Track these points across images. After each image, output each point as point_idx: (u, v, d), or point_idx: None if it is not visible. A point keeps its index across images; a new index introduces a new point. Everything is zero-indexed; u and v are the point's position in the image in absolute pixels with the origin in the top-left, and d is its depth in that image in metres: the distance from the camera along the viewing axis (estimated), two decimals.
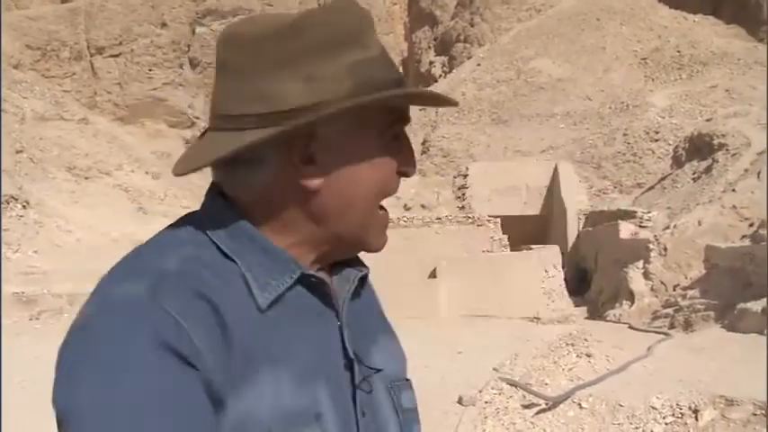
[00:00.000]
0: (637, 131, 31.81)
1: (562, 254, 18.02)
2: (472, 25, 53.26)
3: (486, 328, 11.41)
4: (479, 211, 24.19)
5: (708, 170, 23.53)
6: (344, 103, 0.80)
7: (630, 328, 14.92)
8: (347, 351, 0.87)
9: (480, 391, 7.54)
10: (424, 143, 33.76)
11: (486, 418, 7.02)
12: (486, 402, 7.40)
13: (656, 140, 30.78)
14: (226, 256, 0.82)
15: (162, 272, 0.76)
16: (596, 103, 35.89)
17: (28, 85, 34.96)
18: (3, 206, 20.97)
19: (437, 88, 41.14)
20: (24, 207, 22.23)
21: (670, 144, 29.68)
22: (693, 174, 24.62)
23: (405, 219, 23.12)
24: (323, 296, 0.87)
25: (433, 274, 13.84)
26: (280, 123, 0.79)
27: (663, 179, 27.13)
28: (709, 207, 19.45)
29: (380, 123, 0.85)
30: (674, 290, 16.71)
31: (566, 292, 16.06)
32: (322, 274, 0.88)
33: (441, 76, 48.86)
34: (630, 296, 17.47)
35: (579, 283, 21.32)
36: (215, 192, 0.87)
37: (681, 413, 8.14)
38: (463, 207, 26.58)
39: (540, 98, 36.70)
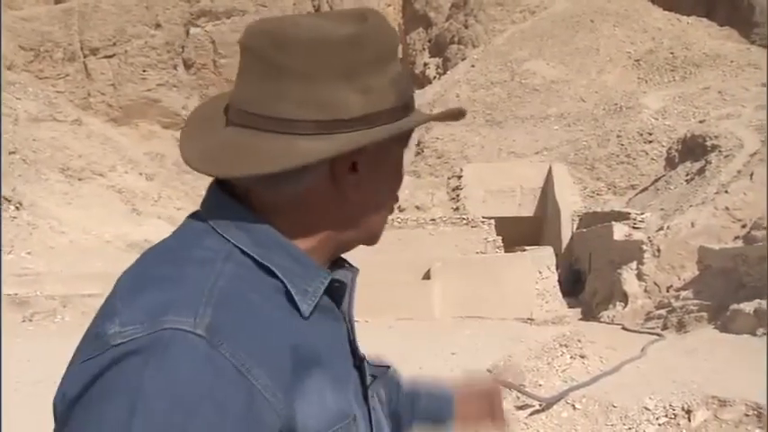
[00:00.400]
0: (630, 133, 31.89)
1: (556, 255, 18.04)
2: (466, 27, 53.33)
3: (479, 330, 11.41)
4: (473, 213, 24.20)
5: (701, 171, 23.61)
6: (394, 117, 0.85)
7: (624, 329, 14.95)
8: (356, 350, 0.91)
9: None
10: (418, 144, 33.78)
11: None
12: None
13: (650, 142, 30.88)
14: (257, 264, 0.80)
15: (216, 302, 0.74)
16: (590, 104, 35.98)
17: (21, 86, 34.83)
18: None
19: (431, 90, 41.22)
20: (17, 208, 22.17)
21: (663, 146, 29.78)
22: (686, 175, 24.70)
23: (399, 220, 23.12)
24: (339, 298, 0.89)
25: (426, 276, 13.84)
26: (337, 132, 0.80)
27: (656, 181, 27.22)
28: (702, 208, 19.52)
29: (404, 138, 0.90)
30: (668, 291, 16.76)
31: (559, 294, 16.08)
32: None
33: (435, 77, 48.92)
34: (624, 297, 17.50)
35: (573, 284, 21.35)
36: (220, 191, 0.85)
37: (674, 414, 8.17)
38: (457, 208, 26.60)
39: (534, 100, 36.78)
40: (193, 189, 32.85)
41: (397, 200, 0.93)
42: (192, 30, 51.55)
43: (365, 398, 0.91)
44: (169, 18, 50.60)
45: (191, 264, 0.77)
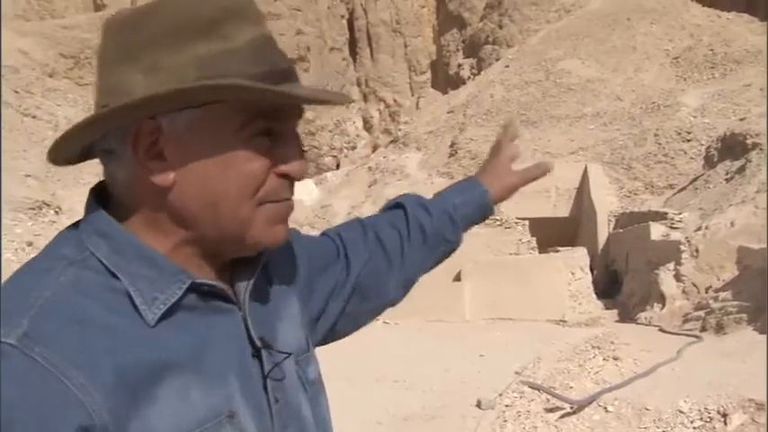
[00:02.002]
0: (668, 132, 31.33)
1: (592, 256, 17.83)
2: (500, 27, 53.04)
3: (510, 331, 11.30)
4: (507, 213, 24.04)
5: (741, 170, 23.08)
6: (197, 98, 0.77)
7: (661, 330, 14.70)
8: (253, 340, 0.86)
9: (500, 395, 7.45)
10: (452, 145, 33.63)
11: (505, 421, 6.93)
12: (507, 406, 7.31)
13: (688, 141, 30.28)
14: (110, 272, 0.79)
15: (36, 312, 0.73)
16: (627, 103, 35.45)
17: (62, 92, 35.61)
18: (35, 212, 21.35)
19: (465, 91, 41.03)
20: (57, 213, 22.61)
21: (702, 144, 29.18)
22: (726, 174, 24.17)
23: None
24: (220, 295, 0.85)
25: (457, 277, 13.76)
26: (125, 115, 0.77)
27: (695, 180, 26.68)
28: (741, 208, 19.08)
29: (235, 119, 0.80)
30: (706, 292, 16.41)
31: (593, 295, 15.87)
32: (215, 277, 0.86)
33: (469, 78, 48.70)
34: (661, 298, 17.20)
35: (610, 285, 21.08)
36: (93, 199, 0.85)
37: (709, 417, 7.97)
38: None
39: (570, 99, 36.36)
40: None
41: (264, 192, 0.83)
42: None
43: (265, 388, 0.87)
44: None
45: (31, 273, 0.79)
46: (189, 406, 0.77)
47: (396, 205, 1.25)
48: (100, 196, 0.85)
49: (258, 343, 0.86)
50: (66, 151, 0.83)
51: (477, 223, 1.30)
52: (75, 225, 0.84)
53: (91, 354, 0.73)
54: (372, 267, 1.14)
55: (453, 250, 1.28)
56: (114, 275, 0.79)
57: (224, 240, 0.84)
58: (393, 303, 1.20)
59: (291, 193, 0.87)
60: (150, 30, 0.78)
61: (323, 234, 1.18)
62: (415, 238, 1.20)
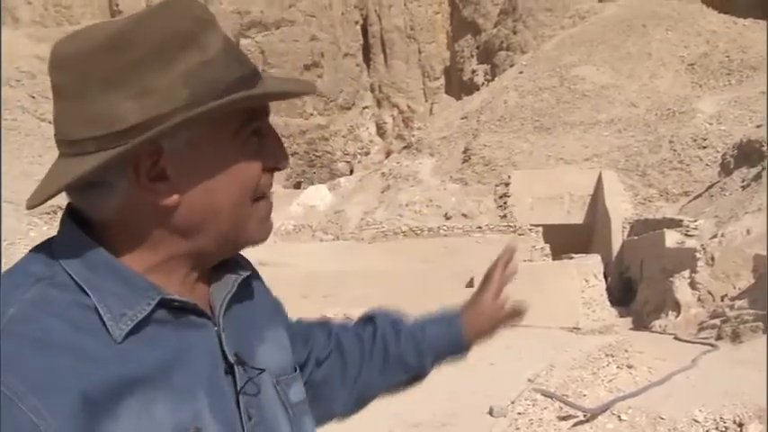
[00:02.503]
0: (684, 138, 31.16)
1: (606, 263, 17.71)
2: (515, 33, 52.99)
3: (522, 339, 11.23)
4: (521, 220, 24.00)
5: (757, 177, 22.89)
6: (178, 116, 0.76)
7: (676, 338, 14.60)
8: (227, 356, 0.85)
9: (513, 403, 7.40)
10: (465, 151, 33.60)
11: (517, 429, 6.88)
12: (519, 414, 7.26)
13: (704, 147, 30.09)
14: (80, 288, 0.78)
15: (8, 320, 0.73)
16: (642, 109, 35.28)
17: None
18: (50, 216, 21.52)
19: (479, 97, 40.99)
20: None
21: (718, 151, 29.00)
22: (742, 181, 23.99)
23: (445, 227, 23.04)
24: (193, 310, 0.84)
25: (470, 284, 13.72)
26: (118, 144, 0.76)
27: (710, 187, 26.50)
28: (758, 215, 18.92)
29: (231, 126, 0.81)
30: (722, 300, 16.28)
31: (607, 302, 15.78)
32: (197, 285, 0.86)
33: (483, 84, 48.67)
34: (677, 306, 17.09)
35: (624, 292, 20.97)
36: (69, 216, 0.83)
37: (725, 426, 7.89)
38: (505, 216, 26.37)
39: (584, 105, 36.24)
40: None
41: (258, 190, 0.84)
42: (243, 41, 52.42)
43: (238, 404, 0.85)
44: None
45: (3, 290, 0.77)
46: (153, 422, 0.76)
47: (368, 319, 1.23)
48: (74, 215, 0.84)
49: (231, 358, 0.85)
50: (51, 195, 0.80)
51: (451, 359, 1.27)
52: (48, 242, 0.84)
53: (50, 376, 0.72)
54: (326, 370, 1.13)
55: (419, 377, 1.25)
56: (84, 292, 0.78)
57: (220, 245, 0.85)
58: (340, 416, 1.17)
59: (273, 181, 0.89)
60: (135, 51, 0.76)
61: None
62: (377, 357, 1.18)
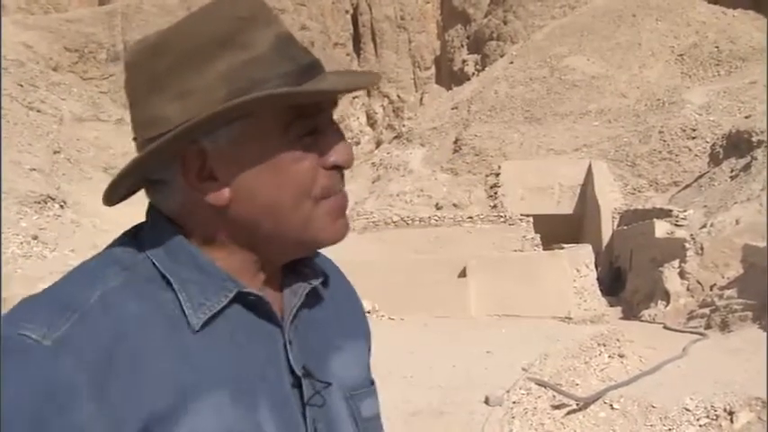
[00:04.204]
0: (673, 129, 31.27)
1: (596, 253, 17.79)
2: (505, 23, 52.89)
3: (515, 328, 11.30)
4: (512, 210, 24.04)
5: (746, 168, 23.05)
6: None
7: (666, 328, 14.70)
8: (293, 368, 0.84)
9: (508, 392, 7.47)
10: (456, 142, 33.59)
11: (513, 418, 6.94)
12: (514, 403, 7.33)
13: (693, 138, 30.21)
14: (162, 275, 0.80)
15: (77, 319, 0.74)
16: (631, 100, 35.35)
17: (66, 86, 35.60)
18: (40, 206, 21.38)
19: (469, 87, 40.93)
20: (62, 207, 22.62)
21: (707, 141, 29.13)
22: (731, 171, 24.15)
23: (436, 218, 23.05)
24: (266, 313, 0.84)
25: (462, 274, 13.76)
26: (166, 148, 0.78)
27: (700, 177, 26.65)
28: (747, 205, 19.06)
29: (277, 124, 0.80)
30: (711, 290, 16.40)
31: (598, 292, 15.87)
32: (267, 290, 0.86)
33: (473, 74, 48.61)
34: (666, 296, 17.21)
35: (614, 282, 21.07)
36: (152, 207, 0.86)
37: (715, 415, 7.99)
38: (495, 206, 26.42)
39: (574, 96, 36.27)
40: None
41: (319, 189, 0.82)
42: None
43: (304, 416, 0.85)
44: None
45: (82, 273, 0.80)
46: (223, 424, 0.76)
47: None
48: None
49: (299, 371, 0.84)
50: (119, 190, 0.83)
51: None
52: (135, 229, 0.86)
53: (114, 379, 0.73)
54: None
55: None
56: (166, 283, 0.80)
57: (286, 245, 0.84)
58: None
59: (343, 183, 0.86)
60: (172, 55, 0.78)
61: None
62: None
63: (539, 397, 7.79)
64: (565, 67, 38.86)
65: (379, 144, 49.04)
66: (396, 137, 39.46)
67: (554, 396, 8.11)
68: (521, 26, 50.79)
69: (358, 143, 56.79)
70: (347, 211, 0.88)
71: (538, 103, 36.01)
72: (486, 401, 7.08)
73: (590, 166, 26.64)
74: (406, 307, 12.75)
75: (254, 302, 0.83)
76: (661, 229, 19.43)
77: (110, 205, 0.85)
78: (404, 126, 40.28)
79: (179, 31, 0.79)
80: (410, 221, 22.79)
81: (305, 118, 0.80)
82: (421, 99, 55.41)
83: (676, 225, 19.85)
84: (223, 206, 0.80)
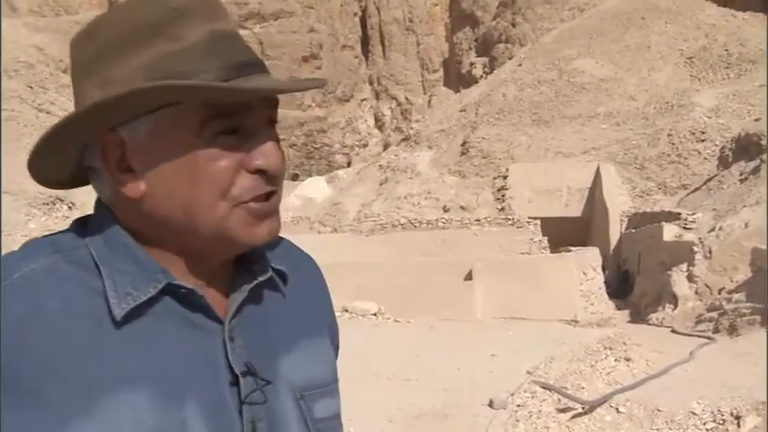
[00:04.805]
0: (682, 132, 31.15)
1: (604, 256, 17.71)
2: (514, 26, 52.86)
3: (521, 331, 11.26)
4: (519, 213, 23.98)
5: (755, 171, 22.91)
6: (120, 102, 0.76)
7: (673, 331, 14.62)
8: (231, 365, 0.82)
9: (512, 395, 7.44)
10: (463, 144, 33.57)
11: (517, 421, 6.91)
12: (519, 406, 7.29)
13: (702, 141, 30.09)
14: (96, 267, 0.79)
15: (5, 283, 0.75)
16: (640, 103, 35.25)
17: None
18: (48, 207, 21.50)
19: (477, 89, 40.90)
20: (70, 208, 22.74)
21: (716, 144, 29.00)
22: (740, 175, 24.01)
23: (443, 220, 23.02)
24: (201, 308, 0.81)
25: (468, 276, 13.73)
26: (76, 126, 0.78)
27: (709, 180, 26.52)
28: (756, 209, 18.94)
29: (193, 120, 0.77)
30: (719, 293, 16.32)
31: (605, 295, 15.81)
32: (211, 288, 0.84)
33: (482, 76, 48.58)
34: (674, 299, 17.13)
35: (621, 285, 20.99)
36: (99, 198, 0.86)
37: (722, 419, 7.92)
38: (503, 209, 26.36)
39: (583, 98, 36.20)
40: None
41: (237, 191, 0.79)
42: (241, 32, 52.21)
43: (240, 414, 0.82)
44: None
45: (21, 251, 0.80)
46: (139, 421, 0.74)
47: None
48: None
49: (238, 369, 0.81)
50: (50, 169, 0.82)
51: None
52: (84, 218, 0.85)
53: (20, 357, 0.72)
54: None
55: None
56: (98, 273, 0.79)
57: (202, 243, 0.81)
58: None
59: (274, 186, 0.82)
60: (100, 41, 0.78)
61: None
62: None
63: (543, 400, 7.75)
64: (573, 69, 38.79)
65: (386, 146, 49.06)
66: (403, 139, 39.46)
67: (559, 399, 8.07)
68: (529, 29, 50.74)
69: (366, 145, 56.84)
70: (279, 215, 0.85)
71: (546, 106, 35.96)
72: (491, 404, 7.05)
73: (598, 168, 26.57)
74: (412, 309, 12.73)
75: (186, 296, 0.80)
76: (669, 232, 19.35)
77: (43, 184, 0.84)
78: (411, 128, 40.28)
79: (111, 17, 0.79)
80: (417, 224, 22.76)
81: (225, 116, 0.77)
82: (429, 101, 55.40)
83: (685, 228, 19.75)
84: (139, 198, 0.79)
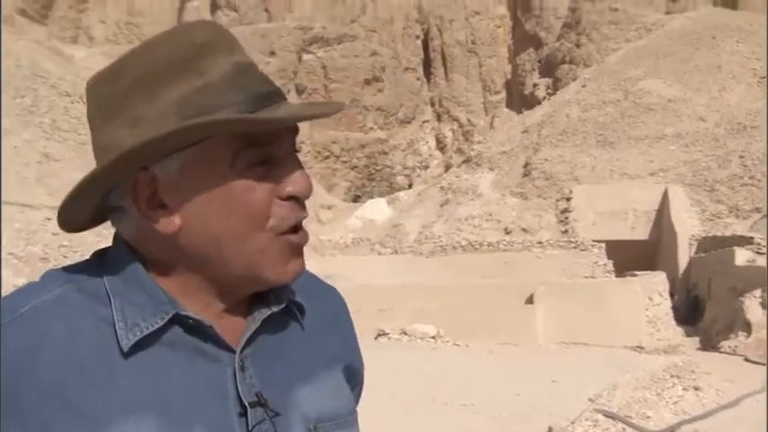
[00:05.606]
0: (755, 154, 30.14)
1: (672, 281, 17.18)
2: (578, 46, 52.31)
3: (583, 357, 10.94)
4: (583, 236, 23.53)
5: None
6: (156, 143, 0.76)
7: (747, 360, 14.06)
8: (240, 396, 0.80)
9: (573, 423, 7.19)
10: (525, 166, 33.22)
11: None
12: None
13: None
14: (108, 297, 0.80)
15: (11, 319, 0.76)
16: (710, 123, 34.29)
17: None
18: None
19: (540, 111, 40.50)
20: None
21: None
22: None
23: (504, 242, 22.75)
24: (211, 338, 0.81)
25: (530, 300, 13.47)
26: (112, 172, 0.78)
27: None
28: None
29: (225, 153, 0.77)
30: None
31: (673, 321, 15.29)
32: (228, 318, 0.84)
33: (544, 98, 48.13)
34: (747, 327, 16.48)
35: (691, 311, 20.34)
36: (118, 234, 0.86)
37: None
38: (566, 231, 25.91)
39: (649, 119, 35.43)
40: None
41: (275, 221, 0.80)
42: (305, 56, 53.20)
43: None
44: (283, 45, 52.47)
45: (32, 288, 0.81)
46: None
47: None
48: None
49: (247, 399, 0.81)
50: (75, 215, 0.82)
51: None
52: (104, 251, 0.86)
53: (26, 389, 0.73)
54: None
55: None
56: (110, 303, 0.79)
57: (230, 277, 0.82)
58: None
59: (304, 212, 0.83)
60: (127, 81, 0.78)
61: None
62: None
63: (606, 429, 7.47)
64: (640, 90, 38.08)
65: (447, 168, 48.98)
66: (465, 161, 39.31)
67: (623, 429, 7.78)
68: (594, 49, 50.15)
69: (427, 167, 56.85)
70: (303, 255, 0.86)
71: (611, 127, 35.33)
72: None
73: (666, 190, 25.90)
74: (471, 332, 12.55)
75: (194, 327, 0.80)
76: (742, 256, 18.69)
77: (68, 231, 0.84)
78: (473, 150, 40.11)
79: (136, 56, 0.79)
80: (478, 246, 22.56)
81: (255, 147, 0.78)
82: (491, 123, 55.11)
83: (758, 253, 19.08)
84: (173, 234, 0.78)
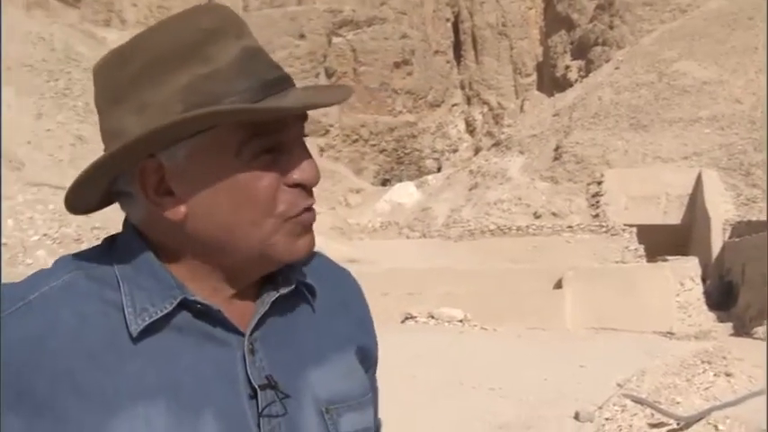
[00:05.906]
0: None
1: (705, 266, 16.96)
2: (611, 28, 51.50)
3: (613, 342, 10.87)
4: (614, 220, 23.31)
5: None
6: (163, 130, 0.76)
7: None
8: (250, 378, 0.82)
9: (600, 408, 7.15)
10: (556, 149, 32.87)
11: None
12: (607, 419, 7.01)
13: None
14: (118, 283, 0.81)
15: (10, 314, 0.77)
16: (746, 106, 33.58)
17: None
18: None
19: (572, 93, 40.01)
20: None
21: None
22: None
23: (534, 227, 22.62)
24: (220, 322, 0.82)
25: (558, 284, 13.39)
26: (120, 158, 0.78)
27: None
28: None
29: (231, 142, 0.78)
30: None
31: (705, 307, 15.10)
32: (237, 302, 0.84)
33: (577, 80, 47.55)
34: None
35: (724, 297, 20.08)
36: (127, 220, 0.87)
37: None
38: (597, 215, 25.67)
39: (684, 102, 34.80)
40: None
41: (283, 208, 0.80)
42: (335, 39, 53.14)
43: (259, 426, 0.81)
44: (313, 29, 52.45)
45: (43, 275, 0.81)
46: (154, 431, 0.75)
47: None
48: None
49: (256, 381, 0.81)
50: (82, 199, 0.83)
51: None
52: (112, 237, 0.87)
53: (37, 375, 0.74)
54: None
55: None
56: (119, 288, 0.80)
57: (242, 262, 0.83)
58: None
59: (311, 200, 0.83)
60: (134, 66, 0.78)
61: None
62: None
63: (634, 414, 7.41)
64: (674, 72, 37.39)
65: (477, 151, 48.70)
66: (495, 144, 39.04)
67: (652, 414, 7.71)
68: (627, 31, 49.34)
69: (456, 150, 56.61)
70: (313, 232, 0.86)
71: (644, 110, 34.78)
72: (576, 417, 6.80)
73: (700, 174, 25.51)
74: (499, 317, 12.52)
75: (203, 311, 0.81)
76: None
77: (75, 213, 0.85)
78: (503, 133, 39.82)
79: (143, 40, 0.79)
80: (507, 230, 22.46)
81: (261, 136, 0.79)
82: (522, 106, 54.62)
83: None
84: (179, 221, 0.79)
